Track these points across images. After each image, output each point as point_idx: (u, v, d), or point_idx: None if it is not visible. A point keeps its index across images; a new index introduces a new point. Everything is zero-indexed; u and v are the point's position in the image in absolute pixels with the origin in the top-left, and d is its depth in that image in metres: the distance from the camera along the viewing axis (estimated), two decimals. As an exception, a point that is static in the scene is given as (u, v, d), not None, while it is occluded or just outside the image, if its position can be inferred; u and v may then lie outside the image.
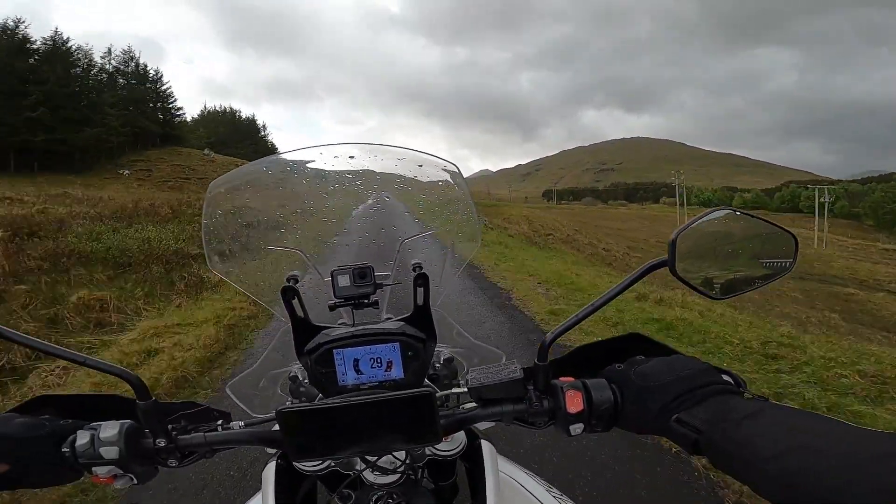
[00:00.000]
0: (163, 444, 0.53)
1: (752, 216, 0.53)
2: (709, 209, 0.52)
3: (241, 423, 0.58)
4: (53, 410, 0.55)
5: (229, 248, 0.75)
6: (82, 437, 0.50)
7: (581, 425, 0.51)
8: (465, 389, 0.56)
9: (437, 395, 0.56)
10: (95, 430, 0.51)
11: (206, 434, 0.55)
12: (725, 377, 0.49)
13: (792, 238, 0.54)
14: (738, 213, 0.52)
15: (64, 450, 0.50)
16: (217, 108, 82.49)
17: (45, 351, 0.52)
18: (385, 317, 0.71)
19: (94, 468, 0.50)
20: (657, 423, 0.48)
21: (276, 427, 0.54)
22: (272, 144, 78.95)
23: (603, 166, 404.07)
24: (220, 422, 0.58)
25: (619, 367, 0.53)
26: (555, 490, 0.77)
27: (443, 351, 0.75)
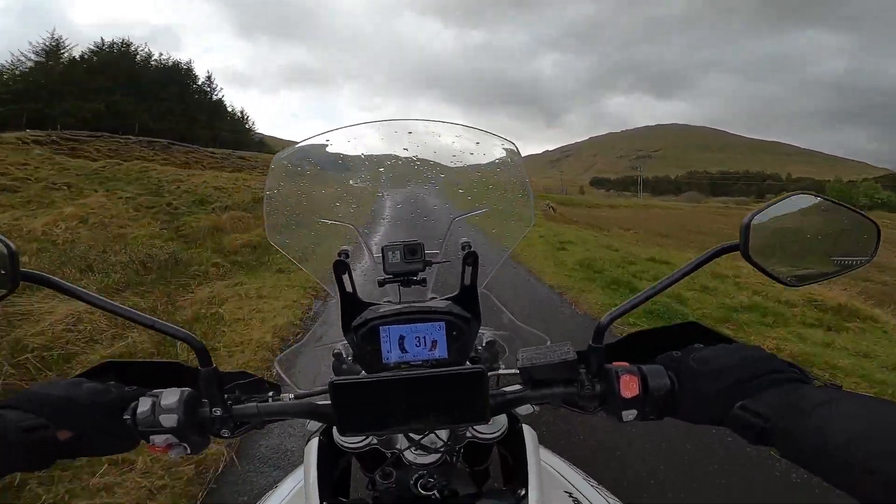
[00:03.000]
0: (218, 413, 0.55)
1: (835, 203, 0.53)
2: (788, 193, 0.52)
3: (292, 396, 0.60)
4: (118, 376, 0.57)
5: (287, 221, 0.77)
6: (144, 405, 0.52)
7: (634, 412, 0.51)
8: (516, 370, 0.57)
9: (488, 374, 0.57)
10: (157, 396, 0.52)
11: (259, 405, 0.57)
12: (792, 368, 0.49)
13: (875, 227, 0.53)
14: (820, 199, 0.53)
15: (125, 417, 0.52)
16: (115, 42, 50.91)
17: (116, 312, 0.54)
18: (431, 296, 0.72)
19: (151, 437, 0.52)
20: (718, 410, 0.47)
21: (325, 401, 0.56)
22: (234, 111, 64.97)
23: (639, 153, 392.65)
24: (271, 393, 0.60)
25: (676, 354, 0.53)
26: (592, 480, 0.78)
27: (485, 333, 0.76)
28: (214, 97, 60.86)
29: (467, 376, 0.51)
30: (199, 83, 58.98)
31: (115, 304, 0.54)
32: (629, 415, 0.52)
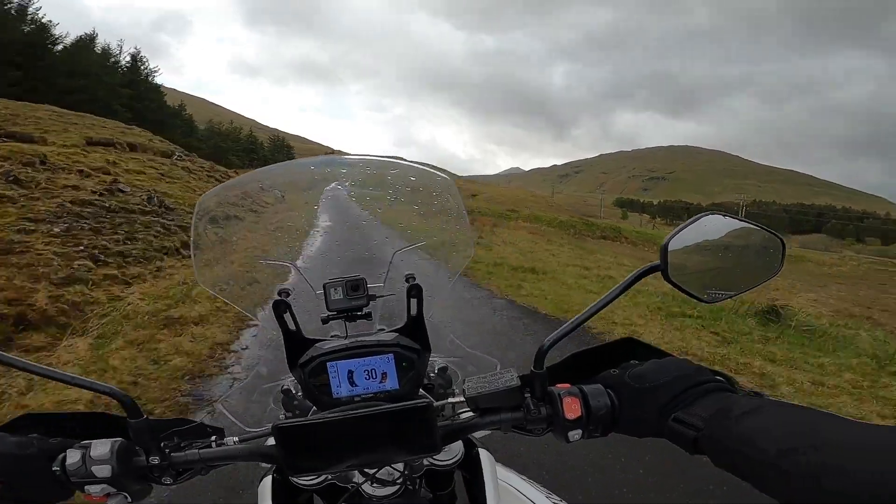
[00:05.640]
0: (156, 462, 0.56)
1: (740, 220, 0.58)
2: (698, 214, 0.57)
3: (236, 439, 0.62)
4: (42, 429, 0.57)
5: (218, 263, 0.80)
6: (73, 456, 0.52)
7: (579, 431, 0.54)
8: (462, 399, 0.59)
9: (435, 405, 0.59)
10: (86, 448, 0.53)
11: (201, 451, 0.58)
12: (718, 377, 0.53)
13: (780, 242, 0.59)
14: (726, 217, 0.58)
15: (55, 468, 0.52)
16: None
17: (34, 372, 0.56)
18: (378, 328, 0.75)
19: (86, 486, 0.53)
20: (655, 424, 0.51)
21: (272, 441, 0.57)
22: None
23: (652, 174, 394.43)
24: (213, 438, 0.61)
25: (614, 371, 0.57)
26: (554, 496, 0.81)
27: (437, 360, 0.79)
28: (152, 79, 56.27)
29: (415, 410, 0.53)
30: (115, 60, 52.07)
31: (31, 363, 0.55)
32: (575, 435, 0.55)
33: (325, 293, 0.71)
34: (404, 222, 0.87)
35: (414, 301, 0.69)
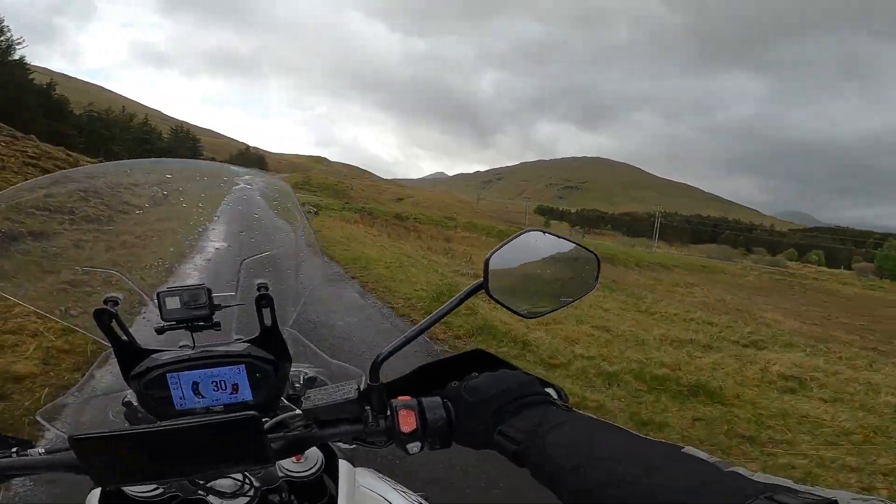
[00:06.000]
0: None
1: (559, 237, 0.60)
2: (520, 231, 0.59)
3: (42, 450, 0.59)
4: None
5: (21, 268, 0.74)
6: None
7: (418, 444, 0.54)
8: (300, 411, 0.59)
9: (275, 419, 0.59)
10: None
11: None
12: (549, 389, 0.55)
13: (595, 258, 0.62)
14: (546, 234, 0.60)
15: None
16: None
17: None
18: (235, 337, 0.73)
19: None
20: (486, 436, 0.51)
21: None
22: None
23: (567, 183, 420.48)
24: (15, 449, 0.58)
25: (454, 384, 0.57)
26: (421, 499, 0.83)
27: (304, 371, 0.79)
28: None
29: (237, 423, 0.51)
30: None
31: None
32: (413, 447, 0.55)
33: (159, 302, 0.67)
34: (246, 231, 0.85)
35: (266, 311, 0.67)
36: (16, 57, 49.80)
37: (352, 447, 0.73)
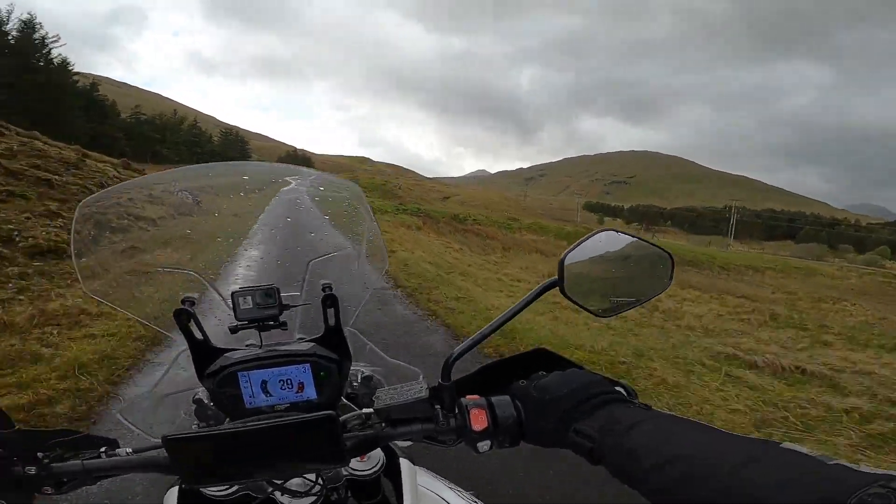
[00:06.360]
0: (32, 472, 0.55)
1: (632, 236, 0.61)
2: (594, 230, 0.60)
3: (129, 450, 0.60)
4: None
5: (107, 271, 0.77)
6: None
7: (488, 442, 0.55)
8: (372, 410, 0.60)
9: (342, 417, 0.59)
10: None
11: (86, 461, 0.57)
12: (618, 388, 0.55)
13: (668, 257, 0.62)
14: (619, 234, 0.61)
15: None
16: None
17: None
18: (298, 337, 0.74)
19: None
20: (558, 435, 0.52)
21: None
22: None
23: (614, 178, 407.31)
24: (103, 448, 0.60)
25: (522, 383, 0.58)
26: (478, 500, 0.84)
27: (361, 370, 0.80)
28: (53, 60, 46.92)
29: (317, 422, 0.53)
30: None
31: None
32: (483, 446, 0.55)
33: (233, 302, 0.70)
34: (316, 231, 0.87)
35: (331, 311, 0.69)
36: (52, 56, 48.62)
37: (408, 446, 0.75)
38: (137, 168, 15.94)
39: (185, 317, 0.66)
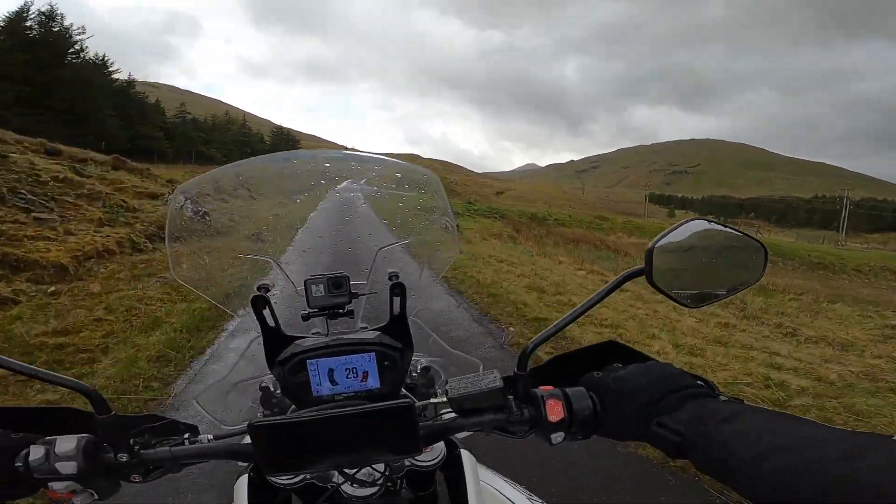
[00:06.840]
0: (125, 459, 0.54)
1: (726, 227, 0.60)
2: (684, 220, 0.59)
3: (210, 437, 0.60)
4: (4, 423, 0.56)
5: (195, 256, 0.78)
6: (36, 452, 0.51)
7: (562, 434, 0.55)
8: (445, 399, 0.58)
9: (417, 405, 0.59)
10: (51, 444, 0.52)
11: (173, 448, 0.57)
12: (699, 381, 0.54)
13: (763, 248, 0.60)
14: (711, 224, 0.59)
15: (17, 464, 0.51)
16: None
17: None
18: (360, 326, 0.75)
19: (50, 483, 0.52)
20: (637, 428, 0.51)
21: (248, 440, 0.55)
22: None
23: (675, 168, 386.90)
24: (187, 435, 0.60)
25: (597, 374, 0.58)
26: (535, 498, 0.82)
27: (420, 360, 0.79)
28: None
29: (396, 410, 0.53)
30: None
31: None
32: (557, 437, 0.55)
33: (306, 290, 0.70)
34: (388, 219, 0.87)
35: (397, 300, 0.69)
36: (81, 49, 44.86)
37: (466, 437, 0.73)
38: (137, 167, 14.39)
39: (261, 303, 0.66)
